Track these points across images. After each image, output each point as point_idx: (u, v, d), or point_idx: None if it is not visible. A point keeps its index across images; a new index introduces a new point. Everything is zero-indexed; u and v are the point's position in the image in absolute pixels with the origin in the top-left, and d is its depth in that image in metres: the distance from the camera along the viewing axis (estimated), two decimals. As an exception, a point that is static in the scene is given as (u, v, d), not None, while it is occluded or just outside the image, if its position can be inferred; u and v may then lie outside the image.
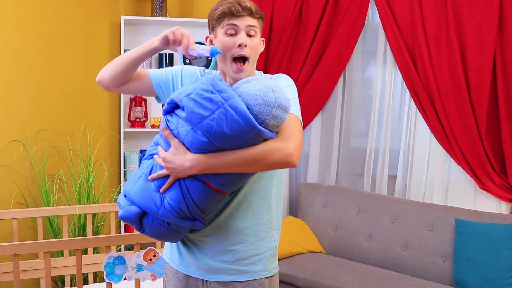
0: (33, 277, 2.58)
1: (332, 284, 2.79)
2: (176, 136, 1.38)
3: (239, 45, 1.45)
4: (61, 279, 2.95)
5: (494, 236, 2.71)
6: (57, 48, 3.12)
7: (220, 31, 1.48)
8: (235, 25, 1.45)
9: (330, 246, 3.28)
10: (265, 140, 1.37)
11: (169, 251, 1.67)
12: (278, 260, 3.03)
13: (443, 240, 2.90)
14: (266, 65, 3.60)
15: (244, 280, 1.54)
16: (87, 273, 2.84)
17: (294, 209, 3.80)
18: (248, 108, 1.33)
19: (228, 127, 1.29)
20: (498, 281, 2.63)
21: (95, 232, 3.02)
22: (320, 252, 3.26)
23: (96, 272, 2.98)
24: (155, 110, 3.73)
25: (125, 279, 2.16)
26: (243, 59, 1.48)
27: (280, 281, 3.00)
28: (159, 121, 3.57)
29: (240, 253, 1.53)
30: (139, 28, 3.65)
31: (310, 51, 3.50)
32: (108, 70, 1.55)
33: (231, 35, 1.46)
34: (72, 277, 2.84)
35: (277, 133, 1.40)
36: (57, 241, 2.07)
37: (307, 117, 3.60)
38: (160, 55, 3.57)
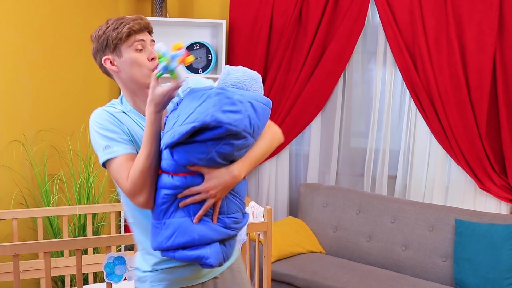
0: (33, 277, 2.58)
1: (332, 284, 2.79)
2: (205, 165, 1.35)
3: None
4: (61, 279, 2.94)
5: (494, 236, 2.71)
6: (57, 48, 3.11)
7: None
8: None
9: (330, 246, 3.28)
10: None
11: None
12: (279, 260, 3.05)
13: (443, 240, 2.90)
14: (266, 65, 3.60)
15: None
16: (87, 273, 2.84)
17: (294, 209, 3.80)
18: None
19: (259, 117, 1.38)
20: (498, 281, 2.63)
21: (95, 232, 3.02)
22: (320, 252, 3.26)
23: (96, 272, 2.98)
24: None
25: (125, 279, 2.16)
26: None
27: (280, 281, 3.00)
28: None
29: None
30: (139, 28, 3.64)
31: (310, 51, 3.50)
32: None
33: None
34: (72, 277, 2.84)
35: None
36: (57, 241, 2.07)
37: (307, 117, 3.60)
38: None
